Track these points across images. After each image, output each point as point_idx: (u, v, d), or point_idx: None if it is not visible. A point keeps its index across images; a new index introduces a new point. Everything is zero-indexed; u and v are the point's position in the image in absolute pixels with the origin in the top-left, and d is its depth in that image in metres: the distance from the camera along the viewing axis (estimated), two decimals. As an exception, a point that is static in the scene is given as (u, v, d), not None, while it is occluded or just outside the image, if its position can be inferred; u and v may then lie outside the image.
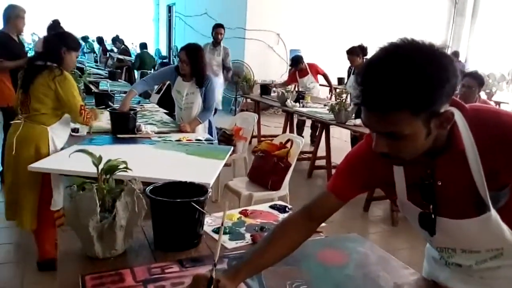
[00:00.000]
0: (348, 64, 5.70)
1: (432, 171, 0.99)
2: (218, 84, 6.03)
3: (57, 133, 2.43)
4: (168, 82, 4.92)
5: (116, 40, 9.77)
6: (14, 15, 3.80)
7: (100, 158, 1.26)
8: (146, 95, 5.36)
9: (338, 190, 1.10)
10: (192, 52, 3.12)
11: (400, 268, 1.27)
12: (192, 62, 3.10)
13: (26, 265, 2.63)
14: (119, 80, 5.95)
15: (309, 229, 1.13)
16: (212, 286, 0.91)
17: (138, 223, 1.27)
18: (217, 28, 6.20)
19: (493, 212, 0.94)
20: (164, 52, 14.83)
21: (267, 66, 9.22)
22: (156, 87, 5.63)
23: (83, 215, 1.17)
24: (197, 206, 1.28)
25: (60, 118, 2.46)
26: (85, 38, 14.30)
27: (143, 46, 9.65)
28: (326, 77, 6.61)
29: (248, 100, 7.40)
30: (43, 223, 2.39)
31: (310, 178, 4.77)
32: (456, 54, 9.79)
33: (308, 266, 1.23)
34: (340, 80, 8.76)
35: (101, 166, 1.26)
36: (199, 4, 11.28)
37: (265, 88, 6.25)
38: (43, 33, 9.23)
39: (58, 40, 2.45)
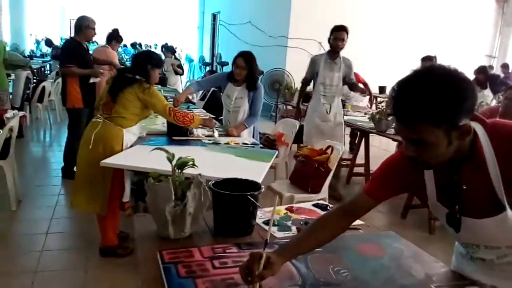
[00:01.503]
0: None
1: (458, 176, 1.15)
2: (339, 114, 4.43)
3: (130, 136, 2.78)
4: (212, 89, 5.22)
5: (164, 47, 10.27)
6: (85, 25, 4.19)
7: (173, 155, 1.50)
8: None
9: (373, 193, 1.28)
10: (249, 58, 3.38)
11: (431, 262, 1.43)
12: (249, 67, 3.36)
13: (88, 251, 2.94)
14: (168, 86, 6.30)
15: (344, 224, 1.31)
16: (263, 260, 1.11)
17: (203, 211, 1.50)
18: (338, 31, 4.23)
19: (509, 212, 1.09)
20: (207, 59, 15.29)
21: (308, 74, 9.39)
22: (200, 93, 5.95)
23: (160, 202, 1.41)
24: (252, 199, 1.49)
25: (136, 123, 2.81)
26: (134, 45, 15.02)
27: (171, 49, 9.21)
28: (366, 86, 6.71)
29: (289, 107, 7.59)
30: (110, 213, 2.68)
31: (348, 184, 4.90)
32: (506, 66, 9.59)
33: (348, 256, 1.41)
34: (382, 89, 8.79)
35: (173, 162, 1.50)
36: (244, 13, 11.62)
37: (306, 96, 6.41)
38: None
39: (145, 58, 2.86)
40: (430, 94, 0.98)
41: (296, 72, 9.10)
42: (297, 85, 8.53)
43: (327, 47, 10.25)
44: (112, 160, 2.38)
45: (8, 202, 3.53)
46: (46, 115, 6.86)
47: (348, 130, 6.36)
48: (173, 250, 1.35)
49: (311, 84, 4.64)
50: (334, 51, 4.27)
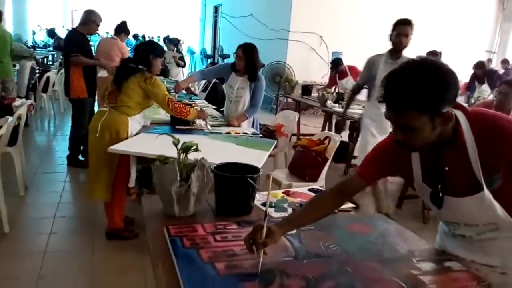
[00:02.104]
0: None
1: (441, 159, 1.27)
2: None
3: (134, 124, 2.90)
4: (213, 81, 5.33)
5: (166, 39, 10.39)
6: (92, 20, 4.31)
7: (178, 140, 1.62)
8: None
9: (366, 175, 1.41)
10: (248, 50, 3.49)
11: (416, 240, 1.55)
12: (247, 58, 3.47)
13: (95, 234, 3.07)
14: (170, 78, 6.41)
15: (338, 202, 1.47)
16: (264, 229, 1.24)
17: (205, 191, 1.62)
18: (401, 25, 3.61)
19: (486, 192, 1.21)
20: (209, 51, 15.36)
21: (309, 67, 9.48)
22: (202, 83, 6.07)
23: (166, 183, 1.54)
24: (251, 181, 1.62)
25: (139, 112, 2.93)
26: (136, 36, 15.08)
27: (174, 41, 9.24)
28: (365, 80, 6.81)
29: (289, 100, 7.70)
30: (116, 197, 2.81)
31: (345, 175, 5.03)
32: (506, 61, 9.70)
33: (338, 233, 1.54)
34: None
35: (179, 146, 1.62)
36: (245, 5, 11.69)
37: (306, 89, 6.53)
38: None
39: (148, 48, 2.99)
40: (417, 84, 1.10)
41: (296, 65, 9.22)
42: (298, 77, 8.67)
43: (327, 41, 10.30)
44: (119, 147, 2.51)
45: (17, 187, 3.66)
46: (50, 105, 6.98)
47: (348, 123, 6.50)
48: (179, 225, 1.48)
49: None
50: (396, 49, 3.61)
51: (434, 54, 5.48)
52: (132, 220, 3.15)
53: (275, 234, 1.26)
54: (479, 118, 1.22)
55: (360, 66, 6.92)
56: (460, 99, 7.44)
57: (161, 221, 1.56)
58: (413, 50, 6.16)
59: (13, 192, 3.61)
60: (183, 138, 2.73)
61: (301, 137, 5.94)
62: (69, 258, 2.83)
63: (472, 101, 5.79)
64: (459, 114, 1.21)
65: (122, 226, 2.96)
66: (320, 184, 3.25)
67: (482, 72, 6.84)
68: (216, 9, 14.99)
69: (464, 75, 7.78)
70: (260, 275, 1.20)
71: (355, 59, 8.03)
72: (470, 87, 6.83)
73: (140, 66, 2.87)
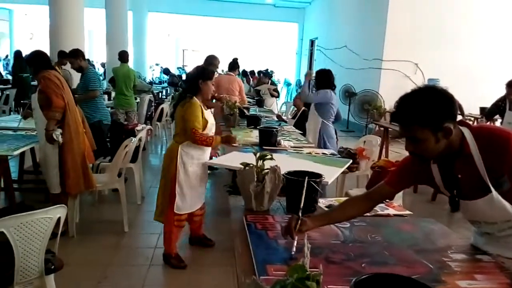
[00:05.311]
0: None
1: (455, 168, 1.51)
2: None
3: (184, 152, 2.97)
4: (302, 109, 5.80)
5: (260, 72, 11.21)
6: (213, 63, 5.13)
7: (257, 150, 2.07)
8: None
9: (393, 184, 1.68)
10: (317, 75, 4.43)
11: (457, 238, 1.77)
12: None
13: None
14: (265, 107, 7.02)
15: (368, 206, 1.75)
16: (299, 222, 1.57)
17: (277, 191, 2.03)
18: (507, 87, 4.93)
19: (495, 193, 1.43)
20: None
21: (403, 95, 9.44)
22: (292, 111, 6.56)
23: (247, 182, 1.98)
24: (314, 185, 1.98)
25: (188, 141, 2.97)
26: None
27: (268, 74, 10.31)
28: (459, 107, 6.70)
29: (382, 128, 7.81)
30: (166, 222, 3.08)
31: (433, 201, 5.01)
32: None
33: (386, 229, 1.83)
34: (483, 110, 8.52)
35: (257, 155, 2.06)
36: (339, 37, 12.10)
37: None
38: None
39: (196, 74, 3.03)
40: (418, 104, 1.39)
41: (389, 93, 9.24)
42: (387, 105, 8.73)
43: (423, 68, 10.17)
44: (214, 161, 3.05)
45: (135, 197, 4.43)
46: (163, 132, 8.03)
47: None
48: (254, 215, 1.90)
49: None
50: None
51: None
52: (213, 243, 3.48)
53: (306, 223, 1.58)
54: (481, 132, 1.46)
55: (458, 93, 6.90)
56: None
57: (242, 213, 2.00)
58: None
59: (132, 200, 4.38)
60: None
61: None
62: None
63: None
64: (465, 130, 1.46)
65: (173, 253, 3.12)
66: (398, 202, 3.42)
67: None
68: (312, 43, 15.65)
69: None
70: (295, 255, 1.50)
71: (453, 86, 7.86)
72: None
73: (188, 94, 2.98)
